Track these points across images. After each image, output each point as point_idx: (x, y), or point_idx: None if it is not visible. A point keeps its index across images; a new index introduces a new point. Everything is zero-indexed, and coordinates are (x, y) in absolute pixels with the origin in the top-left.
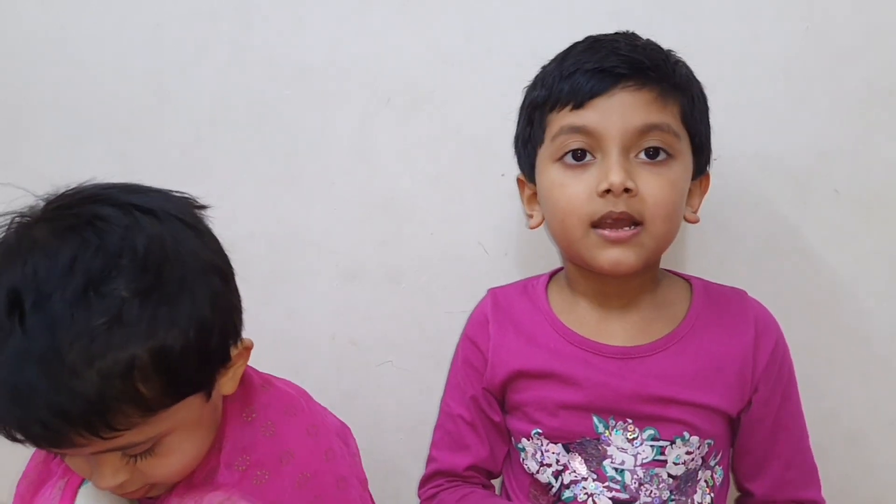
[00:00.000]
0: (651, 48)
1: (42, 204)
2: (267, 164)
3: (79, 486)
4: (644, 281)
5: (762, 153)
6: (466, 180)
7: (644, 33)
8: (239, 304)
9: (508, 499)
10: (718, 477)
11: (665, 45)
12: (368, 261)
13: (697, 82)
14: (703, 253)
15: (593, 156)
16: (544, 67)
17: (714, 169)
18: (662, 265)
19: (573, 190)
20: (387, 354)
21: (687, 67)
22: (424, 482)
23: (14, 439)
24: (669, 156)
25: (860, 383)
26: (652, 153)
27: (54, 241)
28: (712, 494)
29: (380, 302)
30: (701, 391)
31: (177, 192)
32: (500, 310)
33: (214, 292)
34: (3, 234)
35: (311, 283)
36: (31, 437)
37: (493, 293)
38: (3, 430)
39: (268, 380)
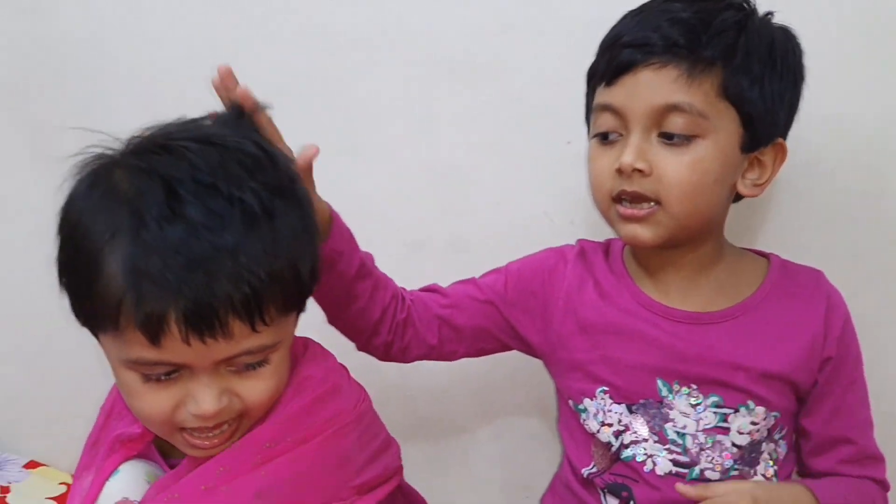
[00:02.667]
0: (700, 16)
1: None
2: (329, 136)
3: (108, 477)
4: (699, 255)
5: (835, 117)
6: (531, 149)
7: None
8: None
9: (569, 461)
10: (782, 451)
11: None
12: (433, 231)
13: (768, 49)
14: (775, 223)
15: (620, 133)
16: None
17: None
18: (734, 240)
19: (600, 165)
20: None
21: (745, 32)
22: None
23: (157, 332)
24: (694, 136)
25: None
26: (671, 134)
27: (196, 147)
28: (776, 467)
29: (446, 272)
30: (770, 360)
31: None
32: (584, 260)
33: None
34: (131, 152)
35: (376, 254)
36: (191, 309)
37: (582, 244)
38: (153, 317)
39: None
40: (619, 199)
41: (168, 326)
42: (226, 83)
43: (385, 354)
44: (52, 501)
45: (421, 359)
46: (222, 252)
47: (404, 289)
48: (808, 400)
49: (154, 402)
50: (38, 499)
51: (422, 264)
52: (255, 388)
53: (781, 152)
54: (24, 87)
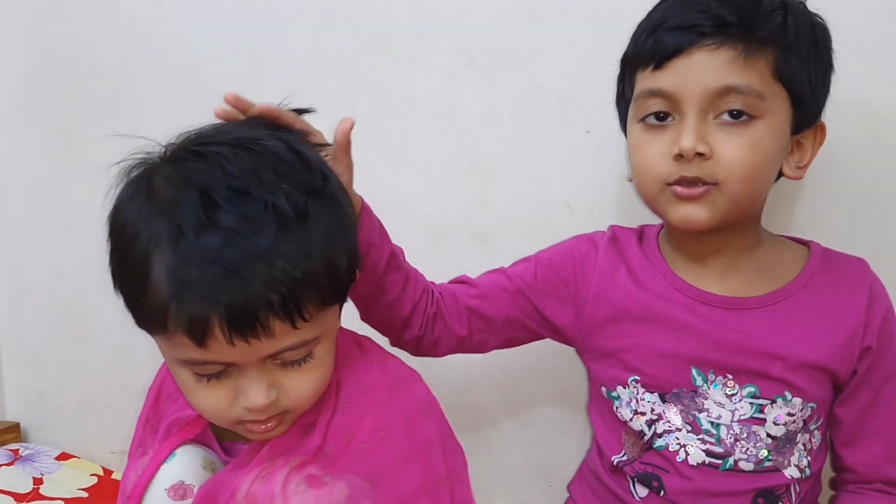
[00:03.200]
0: None
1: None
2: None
3: (164, 460)
4: (740, 239)
5: (865, 100)
6: (551, 138)
7: None
8: None
9: (599, 448)
10: (816, 441)
11: None
12: (454, 221)
13: (810, 30)
14: (801, 208)
15: (673, 117)
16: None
17: None
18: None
19: (650, 151)
20: None
21: (790, 13)
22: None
23: (202, 335)
24: (752, 117)
25: None
26: (732, 115)
27: (228, 153)
28: (809, 458)
29: (466, 262)
30: (809, 349)
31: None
32: (616, 246)
33: (351, 211)
34: (166, 161)
35: (399, 244)
36: (230, 315)
37: (614, 230)
38: (197, 322)
39: (351, 348)
40: (674, 183)
41: (212, 330)
42: (240, 107)
43: (416, 349)
44: (83, 492)
45: (452, 352)
46: (256, 257)
47: (433, 283)
48: (845, 389)
49: (208, 398)
50: (70, 490)
51: (443, 255)
52: (301, 381)
53: (821, 134)
54: (52, 89)
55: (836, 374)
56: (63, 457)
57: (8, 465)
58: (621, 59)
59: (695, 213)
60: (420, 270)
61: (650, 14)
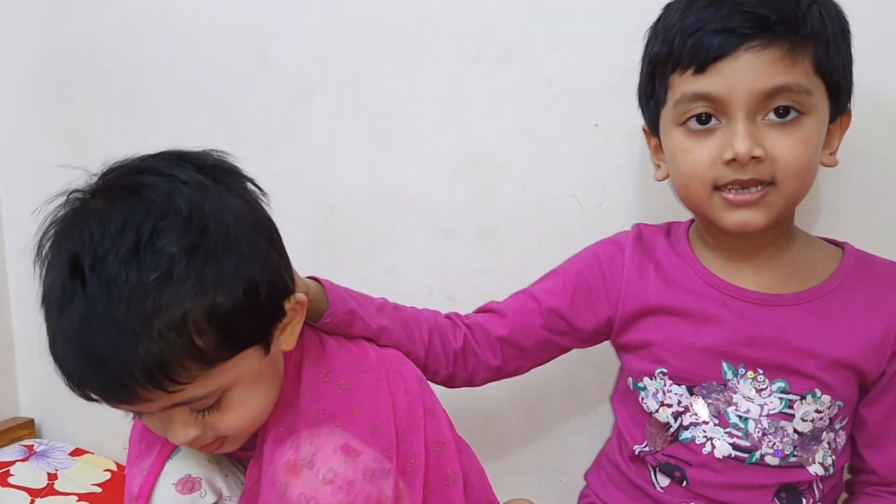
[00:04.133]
0: None
1: (95, 179)
2: (361, 124)
3: (169, 457)
4: (777, 235)
5: (877, 90)
6: (558, 133)
7: None
8: (287, 261)
9: (620, 437)
10: (841, 441)
11: None
12: (462, 217)
13: (838, 17)
14: (807, 200)
15: (718, 119)
16: (665, 16)
17: None
18: None
19: (697, 156)
20: None
21: (823, 6)
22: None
23: (89, 398)
24: (801, 114)
25: None
26: (781, 114)
27: (106, 209)
28: (833, 457)
29: (474, 257)
30: (842, 348)
31: (218, 153)
32: (643, 245)
33: (259, 250)
34: (65, 209)
35: (407, 240)
36: (103, 395)
37: (639, 228)
38: (78, 391)
39: (342, 343)
40: (724, 188)
41: (97, 398)
42: None
43: (452, 385)
44: (97, 487)
45: (490, 381)
46: (117, 333)
47: (457, 314)
48: (872, 389)
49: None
50: (84, 485)
51: (451, 250)
52: (224, 420)
53: (847, 118)
54: (59, 88)
55: (865, 374)
56: (77, 452)
57: (23, 460)
58: (650, 58)
59: (752, 217)
60: (428, 265)
61: (683, 13)
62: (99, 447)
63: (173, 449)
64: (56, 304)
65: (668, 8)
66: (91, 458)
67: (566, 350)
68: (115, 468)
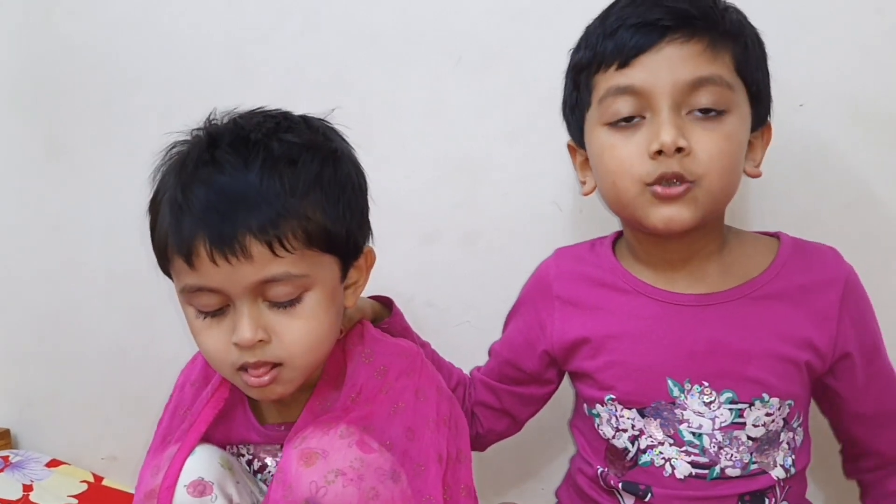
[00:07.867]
0: None
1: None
2: (343, 129)
3: (189, 452)
4: (707, 240)
5: (853, 97)
6: (539, 138)
7: None
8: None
9: (582, 459)
10: (799, 439)
11: None
12: (444, 223)
13: (751, 27)
14: (788, 206)
15: (643, 116)
16: (587, 27)
17: (800, 115)
18: (746, 222)
19: (624, 152)
20: (465, 315)
21: (738, 12)
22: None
23: (190, 255)
24: (724, 109)
25: None
26: (705, 108)
27: (250, 115)
28: (794, 456)
29: (456, 263)
30: (782, 341)
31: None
32: (565, 274)
33: (361, 182)
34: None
35: (389, 246)
36: (217, 242)
37: (559, 253)
38: (185, 241)
39: (385, 335)
40: (653, 183)
41: (197, 249)
42: None
43: (483, 447)
44: (73, 499)
45: (493, 443)
46: (243, 185)
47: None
48: (842, 388)
49: (209, 338)
50: (60, 497)
51: (434, 256)
52: (292, 328)
53: (768, 134)
54: (40, 93)
55: (812, 365)
56: (53, 463)
57: None
58: (573, 66)
59: (677, 213)
60: (412, 271)
61: (604, 17)
62: (76, 458)
63: (192, 449)
64: (191, 163)
65: (589, 24)
66: (68, 469)
67: (541, 397)
68: (91, 479)
